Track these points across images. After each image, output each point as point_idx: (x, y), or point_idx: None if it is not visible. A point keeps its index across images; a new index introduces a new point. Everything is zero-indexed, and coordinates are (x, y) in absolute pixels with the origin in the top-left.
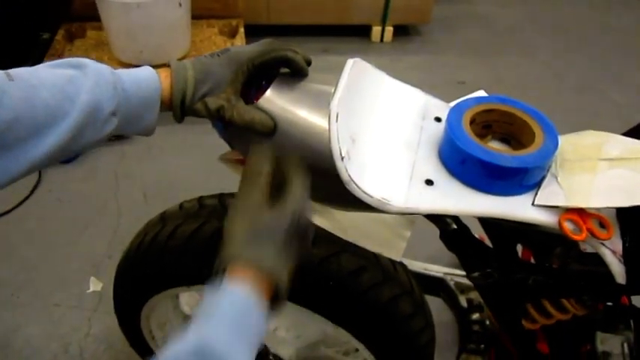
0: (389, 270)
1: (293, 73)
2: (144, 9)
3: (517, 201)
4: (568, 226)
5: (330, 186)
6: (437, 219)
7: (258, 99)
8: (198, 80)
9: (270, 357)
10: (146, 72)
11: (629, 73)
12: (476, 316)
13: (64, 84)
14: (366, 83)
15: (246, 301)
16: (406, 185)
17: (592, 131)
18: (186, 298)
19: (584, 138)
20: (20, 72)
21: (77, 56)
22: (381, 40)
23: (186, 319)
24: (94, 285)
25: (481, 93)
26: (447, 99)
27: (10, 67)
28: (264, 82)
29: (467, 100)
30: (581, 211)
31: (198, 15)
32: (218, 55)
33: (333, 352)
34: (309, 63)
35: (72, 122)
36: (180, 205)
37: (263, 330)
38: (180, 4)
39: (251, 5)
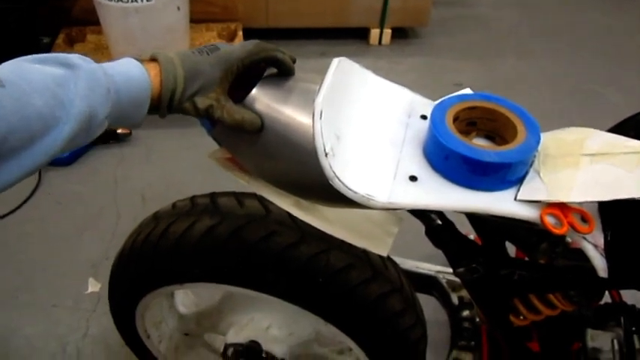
0: (378, 267)
1: (280, 73)
2: (142, 13)
3: (500, 196)
4: (549, 221)
5: (316, 183)
6: (422, 215)
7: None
8: (187, 79)
9: (264, 355)
10: (136, 69)
11: (627, 74)
12: (466, 313)
13: (55, 87)
14: (352, 82)
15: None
16: (390, 181)
17: (575, 128)
18: (181, 297)
19: (567, 134)
20: (8, 75)
21: None
22: (379, 42)
23: (181, 318)
24: (92, 286)
25: (467, 91)
26: None
27: None
28: (254, 82)
29: (451, 97)
30: (562, 206)
31: (197, 19)
32: (207, 53)
33: (327, 351)
34: (294, 62)
35: (67, 131)
36: (174, 204)
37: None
38: (178, 8)
39: (250, 9)
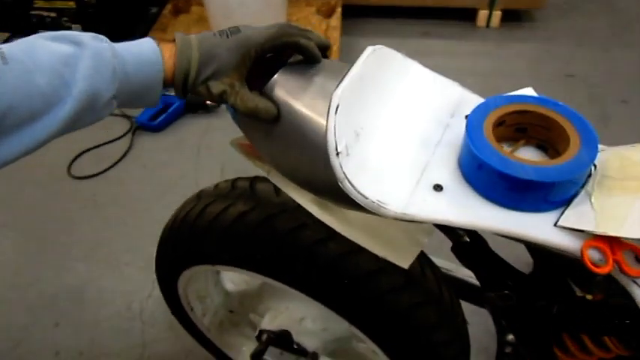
0: (414, 275)
1: (305, 61)
2: None
3: (538, 219)
4: (591, 255)
5: (326, 182)
6: (447, 229)
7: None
8: (202, 62)
9: (295, 346)
10: (149, 50)
11: None
12: (510, 337)
13: (61, 66)
14: (389, 73)
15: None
16: (411, 188)
17: None
18: (230, 274)
19: (637, 152)
20: (15, 52)
21: (178, 31)
22: (487, 25)
23: (227, 295)
24: None
25: (528, 91)
26: (550, 92)
27: (118, 39)
28: (278, 68)
29: (498, 97)
30: (613, 240)
31: None
32: (227, 36)
33: (365, 349)
34: (326, 49)
35: (68, 110)
36: (216, 185)
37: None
38: None
39: None
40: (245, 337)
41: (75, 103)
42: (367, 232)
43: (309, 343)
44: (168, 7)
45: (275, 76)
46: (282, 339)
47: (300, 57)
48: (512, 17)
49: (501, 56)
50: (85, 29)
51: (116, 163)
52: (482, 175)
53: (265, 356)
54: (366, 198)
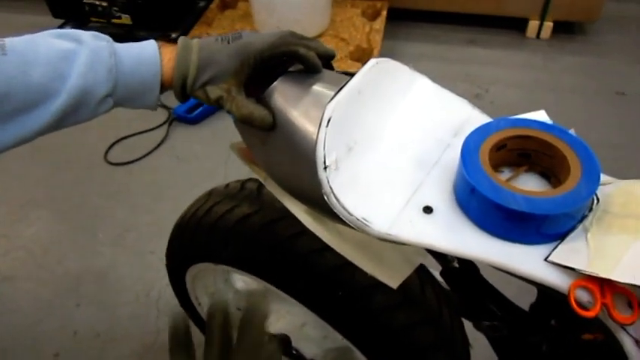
0: (413, 294)
1: (305, 70)
2: None
3: (527, 251)
4: (579, 296)
5: (314, 195)
6: (436, 252)
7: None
8: (200, 67)
9: (293, 351)
10: (149, 52)
11: None
12: None
13: (58, 61)
14: (392, 87)
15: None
16: (399, 208)
17: None
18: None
19: None
20: (17, 43)
21: (223, 26)
22: (538, 36)
23: (236, 292)
24: None
25: (541, 114)
26: (597, 110)
27: (166, 30)
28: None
29: (502, 120)
30: (604, 281)
31: None
32: (228, 42)
33: None
34: (330, 58)
35: (61, 103)
36: (227, 184)
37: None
38: None
39: None
40: None
41: (66, 97)
42: (358, 247)
43: (308, 350)
44: (216, 1)
45: (274, 83)
46: (281, 344)
47: (301, 66)
48: (564, 29)
49: (549, 69)
50: (133, 20)
51: (151, 152)
52: (473, 200)
53: None
54: (351, 215)
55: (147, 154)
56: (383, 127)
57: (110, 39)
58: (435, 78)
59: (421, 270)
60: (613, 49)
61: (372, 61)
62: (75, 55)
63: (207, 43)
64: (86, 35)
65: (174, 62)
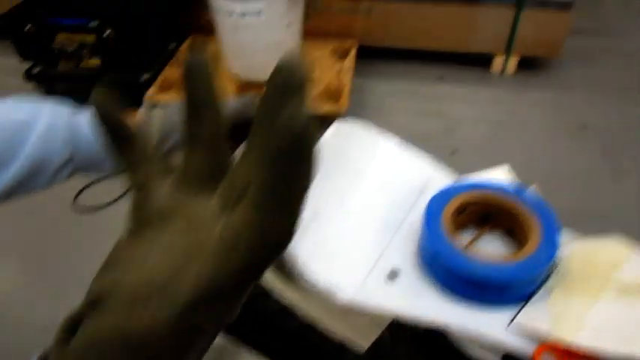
0: (381, 348)
1: None
2: (251, 29)
3: (491, 316)
4: None
5: (284, 261)
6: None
7: None
8: (162, 137)
9: None
10: None
11: None
12: None
13: (13, 133)
14: (356, 149)
15: None
16: (363, 276)
17: (618, 242)
18: None
19: (602, 250)
20: None
21: None
22: (502, 71)
23: None
24: None
25: (502, 171)
26: (561, 143)
27: (136, 72)
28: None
29: (459, 185)
30: (571, 346)
31: (312, 33)
32: None
33: None
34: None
35: (14, 172)
36: None
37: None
38: (288, 25)
39: (367, 28)
40: None
41: (19, 167)
42: (331, 310)
43: None
44: (187, 43)
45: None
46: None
47: None
48: (528, 64)
49: (515, 104)
50: (104, 63)
51: (117, 199)
52: (436, 264)
53: None
54: (316, 284)
55: (114, 201)
56: (348, 190)
57: (70, 105)
58: (407, 114)
59: (393, 326)
60: (576, 83)
61: (335, 125)
62: (29, 129)
63: (172, 110)
64: (44, 107)
65: None
